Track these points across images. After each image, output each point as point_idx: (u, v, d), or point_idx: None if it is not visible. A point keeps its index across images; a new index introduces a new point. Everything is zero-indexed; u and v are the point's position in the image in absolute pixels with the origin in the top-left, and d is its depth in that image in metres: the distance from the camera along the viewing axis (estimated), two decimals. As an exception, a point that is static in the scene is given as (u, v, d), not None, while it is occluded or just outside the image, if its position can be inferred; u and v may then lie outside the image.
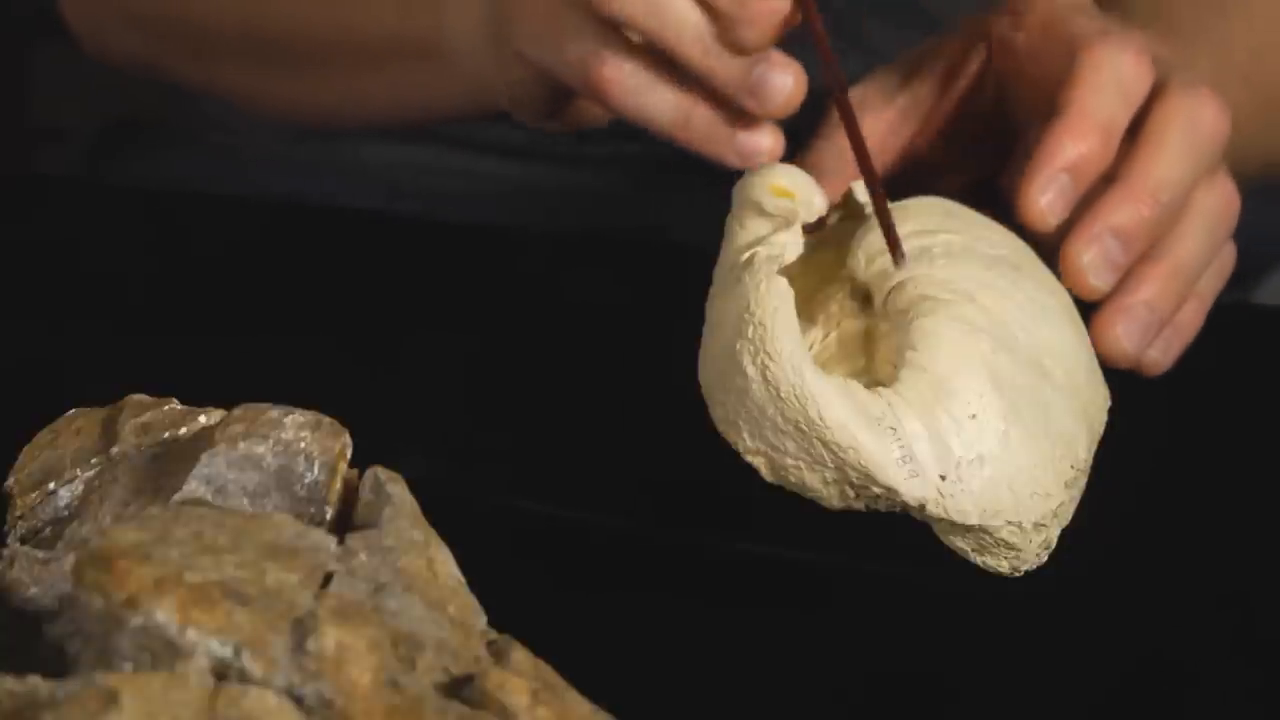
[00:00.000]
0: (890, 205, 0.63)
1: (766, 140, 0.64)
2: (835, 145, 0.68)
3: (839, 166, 0.67)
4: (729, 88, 0.63)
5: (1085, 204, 0.64)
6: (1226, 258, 0.68)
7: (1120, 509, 0.61)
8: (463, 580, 0.47)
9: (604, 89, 0.64)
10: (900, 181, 0.68)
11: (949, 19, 0.84)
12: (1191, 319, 0.66)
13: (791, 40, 0.63)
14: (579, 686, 0.45)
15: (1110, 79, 0.64)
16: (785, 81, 0.63)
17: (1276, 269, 1.02)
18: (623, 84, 0.64)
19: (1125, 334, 0.63)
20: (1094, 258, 0.62)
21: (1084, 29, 0.65)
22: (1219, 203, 0.66)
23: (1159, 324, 0.64)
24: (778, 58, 0.63)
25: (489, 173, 0.96)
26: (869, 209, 0.62)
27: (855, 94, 0.70)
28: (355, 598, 0.44)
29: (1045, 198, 0.63)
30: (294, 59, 0.86)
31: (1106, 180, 0.64)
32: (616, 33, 0.64)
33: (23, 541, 0.51)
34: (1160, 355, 0.65)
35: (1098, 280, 0.63)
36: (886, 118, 0.70)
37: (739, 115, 0.64)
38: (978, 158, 0.70)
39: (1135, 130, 0.65)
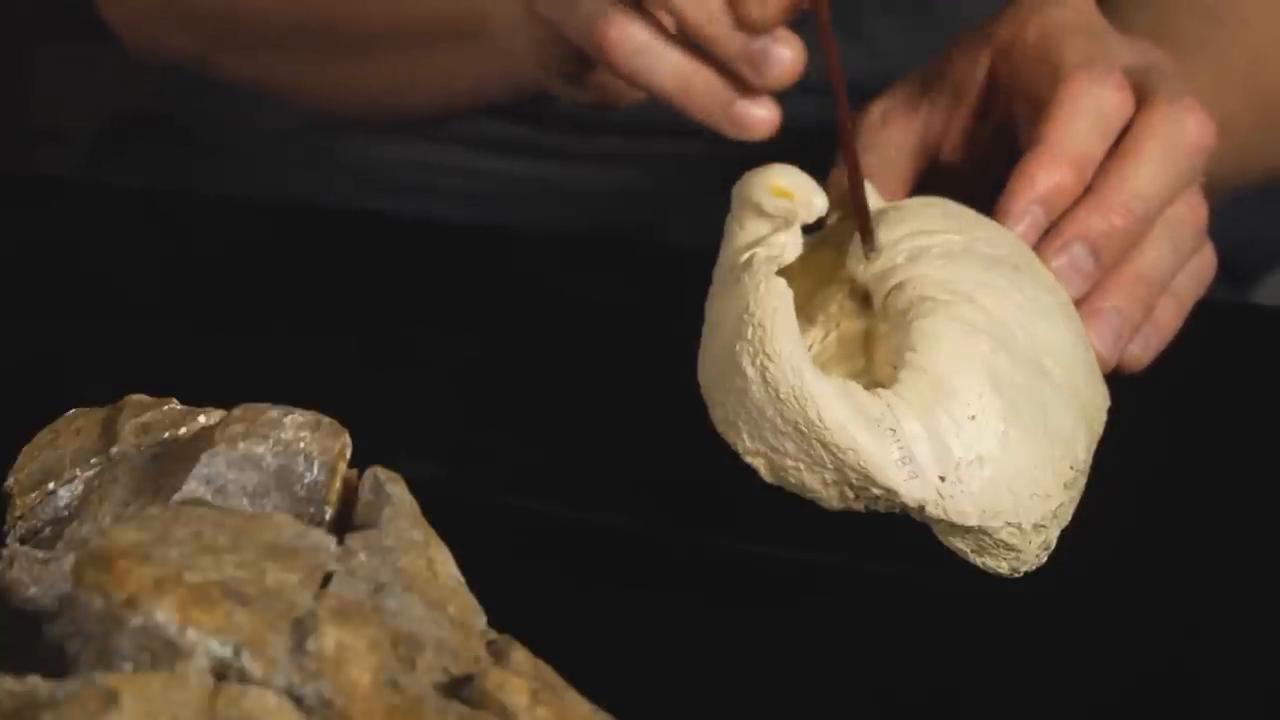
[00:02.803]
0: (889, 205, 0.63)
1: (762, 111, 0.64)
2: (882, 147, 0.69)
3: (885, 168, 0.68)
4: (730, 57, 0.64)
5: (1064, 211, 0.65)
6: (1203, 262, 0.69)
7: (1120, 509, 0.61)
8: (463, 580, 0.47)
9: (608, 48, 0.65)
10: (927, 189, 0.69)
11: (949, 12, 0.84)
12: (1169, 318, 0.67)
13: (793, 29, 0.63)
14: (579, 686, 0.45)
15: (1088, 110, 0.65)
16: (785, 54, 0.63)
17: (1276, 269, 1.02)
18: (626, 45, 0.65)
19: (1098, 338, 0.64)
20: (1062, 266, 0.64)
21: (1070, 57, 0.66)
22: (1184, 213, 0.67)
23: (1130, 328, 0.65)
24: (780, 31, 0.63)
25: (489, 170, 0.96)
26: (869, 207, 0.62)
27: (880, 107, 0.71)
28: (355, 598, 0.44)
29: (1019, 229, 0.64)
30: (344, 46, 0.87)
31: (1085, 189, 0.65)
32: None
33: (23, 541, 0.51)
34: (1140, 351, 0.66)
35: (1067, 287, 0.63)
36: (914, 128, 0.71)
37: (739, 86, 0.65)
38: (996, 162, 0.70)
39: (1119, 140, 0.66)
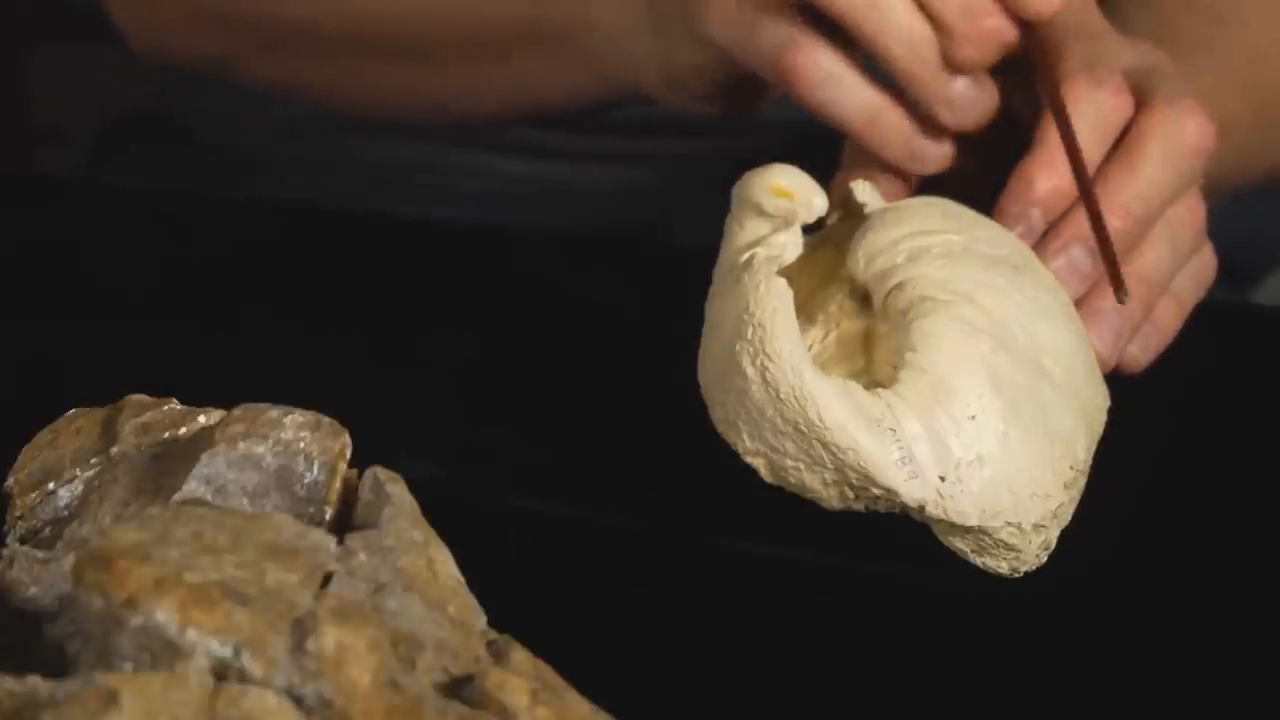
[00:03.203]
0: (888, 206, 0.63)
1: (945, 147, 0.66)
2: None
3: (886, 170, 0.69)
4: (927, 97, 0.64)
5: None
6: (1203, 263, 0.69)
7: (1120, 509, 0.61)
8: (463, 580, 0.47)
9: (795, 76, 0.65)
10: (927, 189, 0.69)
11: None
12: (1169, 319, 0.67)
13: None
14: (579, 686, 0.45)
15: (1087, 114, 0.65)
16: (985, 98, 0.64)
17: (1276, 269, 1.02)
18: (814, 74, 0.65)
19: (1097, 338, 0.64)
20: (1061, 267, 0.64)
21: (1070, 59, 0.66)
22: (1184, 214, 0.67)
23: (1130, 328, 0.65)
24: (978, 75, 0.64)
25: (491, 170, 0.96)
26: (869, 208, 0.62)
27: None
28: (355, 598, 0.44)
29: (1017, 230, 0.64)
30: (405, 52, 0.86)
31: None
32: (812, 24, 0.65)
33: (23, 541, 0.51)
34: (1139, 352, 0.66)
35: (1066, 288, 0.63)
36: None
37: (923, 121, 0.66)
38: (997, 162, 0.70)
39: (1118, 142, 0.66)
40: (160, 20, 0.94)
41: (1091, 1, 0.70)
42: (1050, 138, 0.65)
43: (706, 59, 0.69)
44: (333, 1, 0.87)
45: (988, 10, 0.64)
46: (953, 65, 0.64)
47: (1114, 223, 0.64)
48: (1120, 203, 0.64)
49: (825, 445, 0.56)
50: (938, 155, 0.66)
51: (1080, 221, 0.64)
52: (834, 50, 0.65)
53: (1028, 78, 0.63)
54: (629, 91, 0.76)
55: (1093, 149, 0.65)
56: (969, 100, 0.65)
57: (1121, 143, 0.66)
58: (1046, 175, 0.64)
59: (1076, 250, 0.64)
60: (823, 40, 0.65)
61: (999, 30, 0.64)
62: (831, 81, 0.65)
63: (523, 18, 0.81)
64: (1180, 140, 0.65)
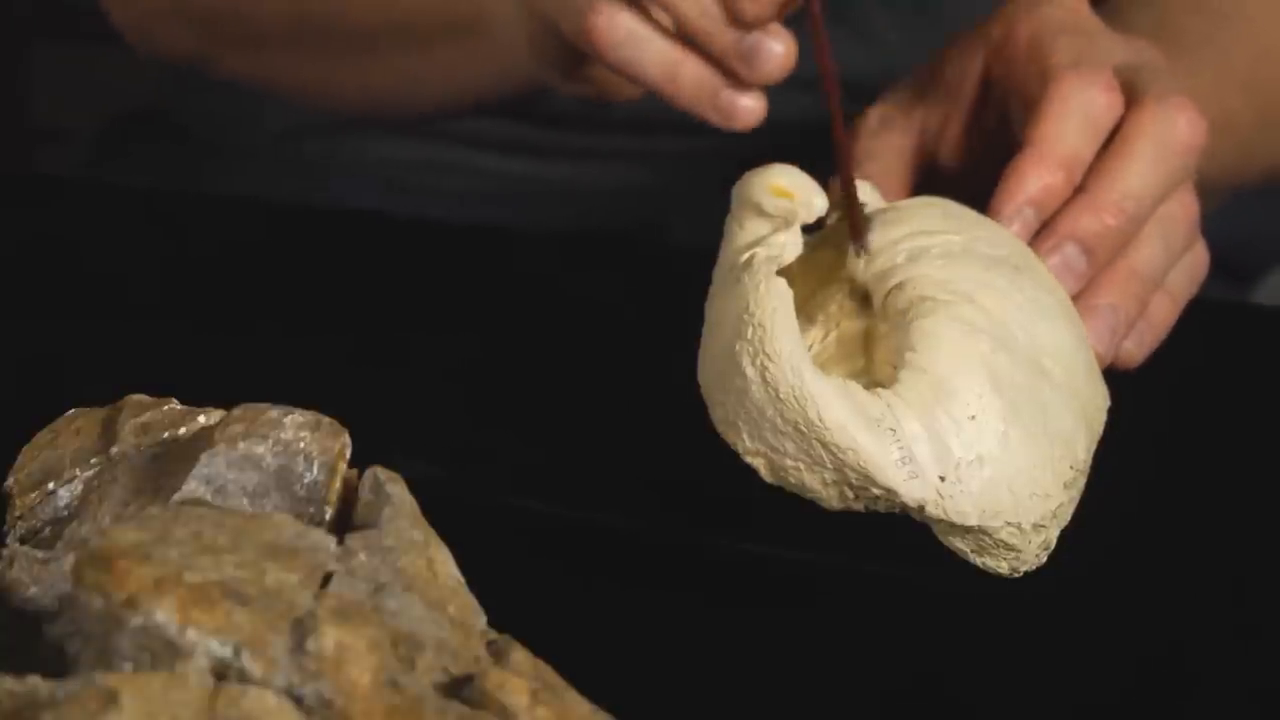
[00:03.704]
0: (888, 206, 0.63)
1: (749, 100, 0.65)
2: (880, 152, 0.69)
3: (885, 173, 0.68)
4: (721, 52, 0.64)
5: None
6: (1196, 259, 0.69)
7: (1120, 509, 0.61)
8: (463, 580, 0.47)
9: (594, 38, 0.65)
10: (927, 190, 0.69)
11: (948, 8, 0.84)
12: (1164, 315, 0.67)
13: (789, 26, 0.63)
14: (579, 686, 0.45)
15: (1077, 112, 0.65)
16: (777, 49, 0.64)
17: (1276, 269, 1.02)
18: (613, 34, 0.65)
19: (1093, 334, 0.64)
20: (1055, 265, 0.64)
21: (1060, 57, 0.66)
22: (1177, 210, 0.67)
23: (1125, 324, 0.65)
24: (772, 26, 0.63)
25: (490, 169, 0.96)
26: (869, 208, 0.62)
27: (877, 112, 0.71)
28: (355, 598, 0.44)
29: (1011, 229, 0.64)
30: (345, 45, 0.87)
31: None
32: None
33: (22, 541, 0.51)
34: (1135, 348, 0.66)
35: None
36: (912, 131, 0.71)
37: (727, 77, 0.65)
38: (995, 162, 0.70)
39: (1110, 140, 0.66)
40: (145, 16, 0.94)
41: (1084, 0, 0.70)
42: (1039, 137, 0.65)
43: (537, 27, 0.70)
44: None
45: None
46: (737, 21, 0.64)
47: (1107, 220, 0.64)
48: (1112, 200, 0.64)
49: (825, 445, 0.56)
50: (744, 109, 0.66)
51: (1073, 219, 0.64)
52: (633, 11, 0.65)
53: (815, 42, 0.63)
54: (535, 81, 0.76)
55: (1083, 146, 0.65)
56: (764, 54, 0.64)
57: (1112, 140, 0.66)
58: (1037, 174, 0.64)
59: (1069, 248, 0.64)
60: (622, 2, 0.65)
61: None
62: (631, 41, 0.65)
63: (436, 9, 0.82)
64: (1171, 137, 0.65)
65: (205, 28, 0.92)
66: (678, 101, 0.66)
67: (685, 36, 0.64)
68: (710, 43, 0.64)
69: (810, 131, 0.69)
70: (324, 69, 0.89)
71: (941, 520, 0.57)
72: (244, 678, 0.41)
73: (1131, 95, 0.66)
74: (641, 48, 0.65)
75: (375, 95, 0.90)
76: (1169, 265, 0.67)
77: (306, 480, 0.50)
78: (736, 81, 0.65)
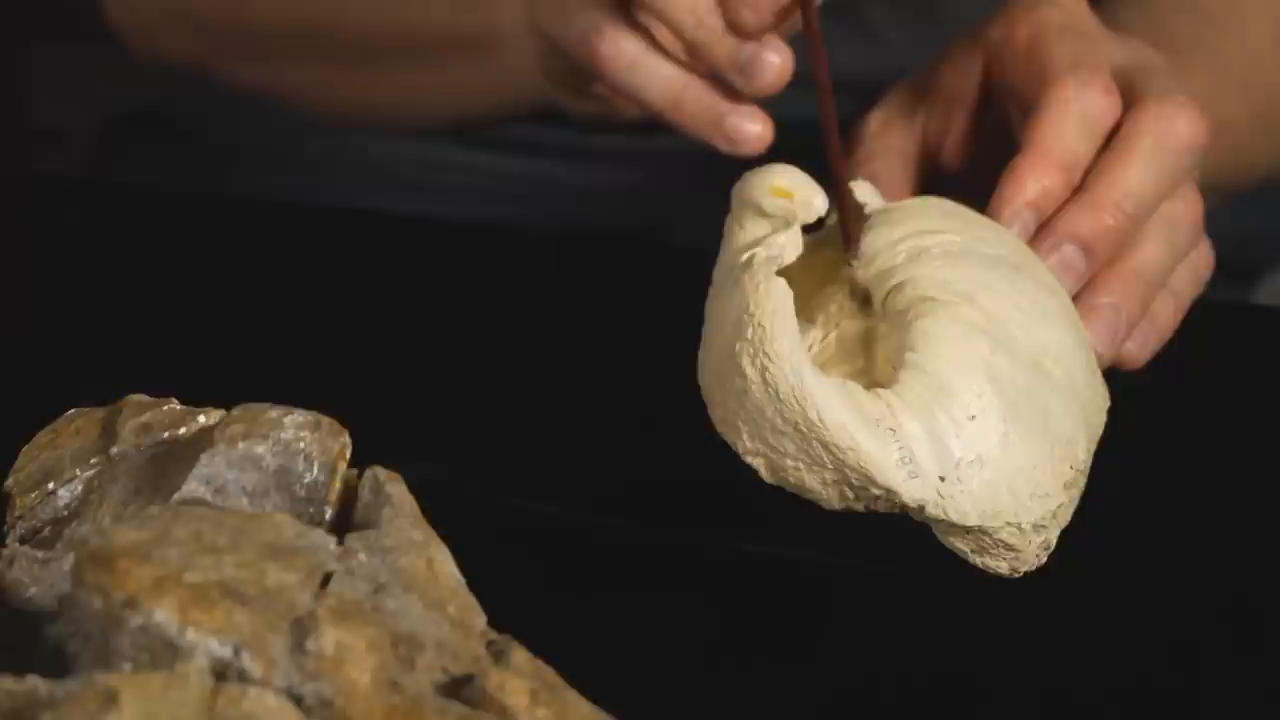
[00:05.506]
0: (889, 206, 0.63)
1: (756, 126, 0.65)
2: (882, 155, 0.69)
3: (886, 175, 0.68)
4: (719, 63, 0.64)
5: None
6: (1200, 259, 0.69)
7: (1120, 509, 0.61)
8: (463, 580, 0.47)
9: (599, 62, 0.65)
10: (927, 190, 0.69)
11: (950, 8, 0.84)
12: (1167, 316, 0.67)
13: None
14: (579, 686, 0.45)
15: (1075, 113, 0.65)
16: (774, 60, 0.64)
17: (1276, 269, 1.02)
18: (617, 59, 0.65)
19: (1094, 334, 0.64)
20: (1054, 265, 0.64)
21: (1058, 59, 0.66)
22: (1180, 209, 0.67)
23: (1127, 325, 0.65)
24: (769, 37, 0.64)
25: (490, 168, 0.96)
26: (869, 208, 0.62)
27: (879, 114, 0.71)
28: (355, 598, 0.44)
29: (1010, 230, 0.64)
30: (351, 57, 0.88)
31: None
32: (620, 9, 0.65)
33: (22, 541, 0.51)
34: (1137, 349, 0.66)
35: None
36: (913, 134, 0.71)
37: (731, 100, 0.65)
38: (995, 163, 0.70)
39: (1109, 140, 0.66)
40: (146, 23, 0.95)
41: (1082, 1, 0.70)
42: (1037, 139, 0.65)
43: (544, 48, 0.70)
44: (285, 8, 0.88)
45: None
46: (736, 30, 0.64)
47: (1106, 220, 0.64)
48: (1112, 200, 0.64)
49: (825, 445, 0.56)
50: (749, 134, 0.66)
51: (1072, 219, 0.64)
52: (638, 34, 0.65)
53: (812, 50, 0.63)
54: (545, 98, 0.76)
55: (1082, 148, 0.65)
56: (761, 65, 0.65)
57: (1112, 141, 0.66)
58: (1036, 176, 0.64)
59: (1068, 248, 0.64)
60: (626, 25, 0.65)
61: None
62: (636, 66, 0.65)
63: (447, 26, 0.82)
64: (1170, 136, 0.65)
65: (208, 37, 0.92)
66: (683, 126, 0.66)
67: (685, 55, 0.65)
68: (707, 54, 0.64)
69: (811, 131, 0.69)
70: (329, 81, 0.90)
71: (941, 520, 0.57)
72: (244, 678, 0.41)
73: (1131, 96, 0.66)
74: (647, 72, 0.65)
75: (379, 108, 0.91)
76: (1172, 265, 0.67)
77: (306, 480, 0.50)
78: (738, 101, 0.65)
